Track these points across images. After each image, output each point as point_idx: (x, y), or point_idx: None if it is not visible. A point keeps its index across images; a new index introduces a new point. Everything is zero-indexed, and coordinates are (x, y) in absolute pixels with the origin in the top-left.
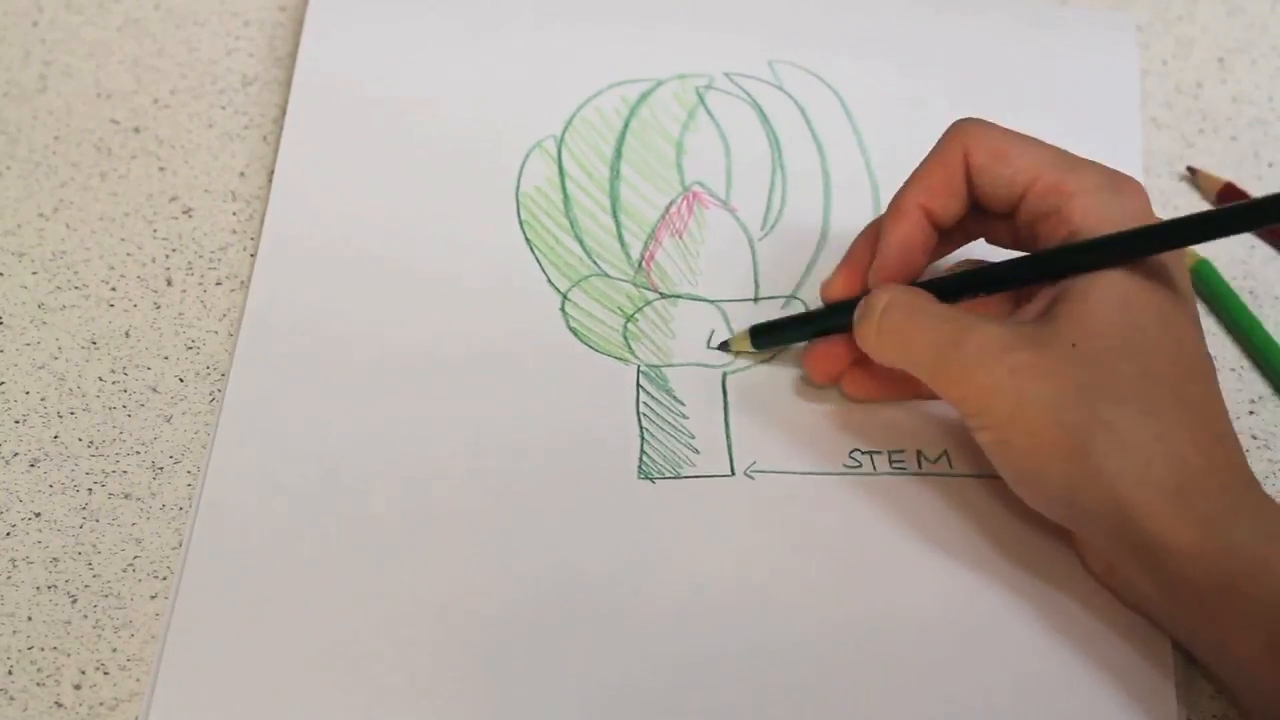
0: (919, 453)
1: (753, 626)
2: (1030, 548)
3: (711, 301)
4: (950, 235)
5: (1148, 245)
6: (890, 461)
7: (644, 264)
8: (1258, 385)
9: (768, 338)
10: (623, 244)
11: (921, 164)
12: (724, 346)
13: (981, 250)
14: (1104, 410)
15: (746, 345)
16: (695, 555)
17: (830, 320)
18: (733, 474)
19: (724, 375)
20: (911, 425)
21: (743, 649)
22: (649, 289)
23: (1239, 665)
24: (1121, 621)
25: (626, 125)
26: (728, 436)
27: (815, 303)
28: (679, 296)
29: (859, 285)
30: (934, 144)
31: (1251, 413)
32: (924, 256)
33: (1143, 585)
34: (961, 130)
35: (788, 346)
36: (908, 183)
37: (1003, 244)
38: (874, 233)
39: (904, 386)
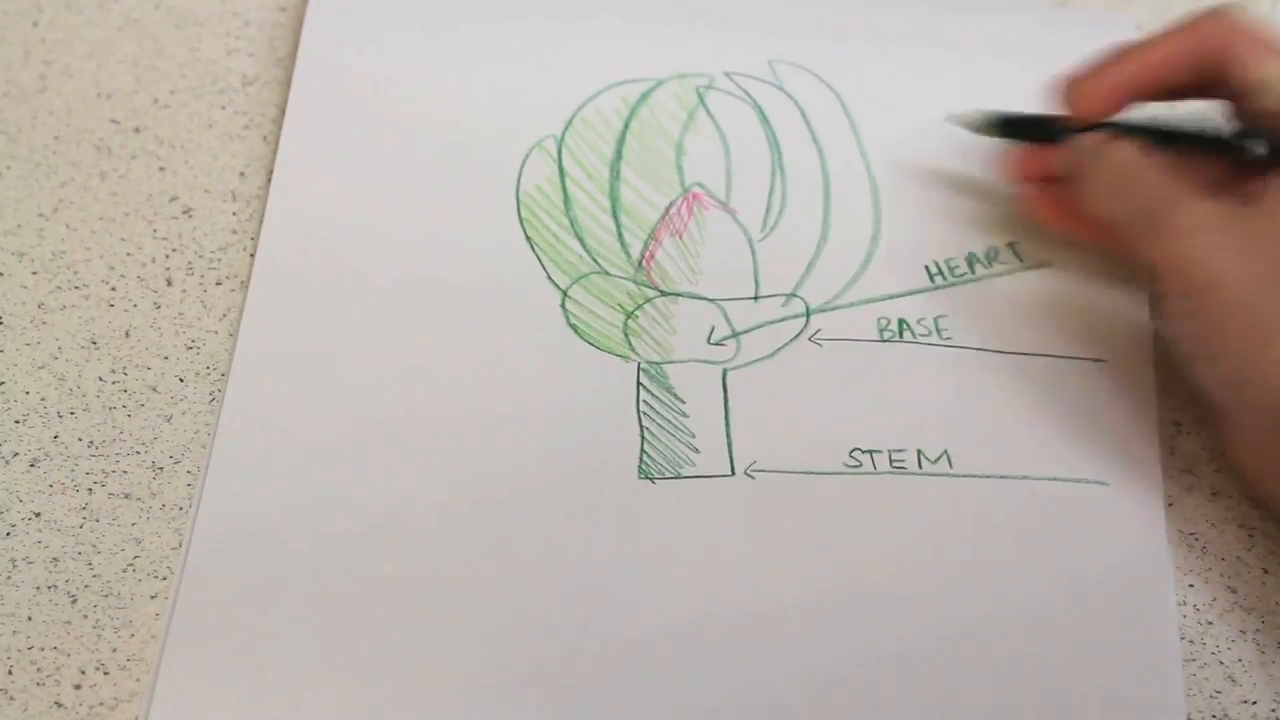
0: (919, 452)
1: (753, 626)
2: (1030, 547)
3: (711, 300)
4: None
5: None
6: (890, 461)
7: (644, 263)
8: None
9: (1007, 129)
10: (623, 243)
11: (1172, 31)
12: (954, 118)
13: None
14: None
15: (982, 125)
16: (695, 555)
17: (1066, 130)
18: (733, 473)
19: (725, 372)
20: (912, 425)
21: (743, 649)
22: (649, 287)
23: None
24: (1123, 621)
25: (626, 126)
26: (728, 436)
27: (816, 303)
28: (679, 295)
29: (1114, 104)
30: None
31: None
32: (1168, 88)
33: None
34: (1218, 17)
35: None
36: (1160, 35)
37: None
38: (1133, 52)
39: (1089, 228)
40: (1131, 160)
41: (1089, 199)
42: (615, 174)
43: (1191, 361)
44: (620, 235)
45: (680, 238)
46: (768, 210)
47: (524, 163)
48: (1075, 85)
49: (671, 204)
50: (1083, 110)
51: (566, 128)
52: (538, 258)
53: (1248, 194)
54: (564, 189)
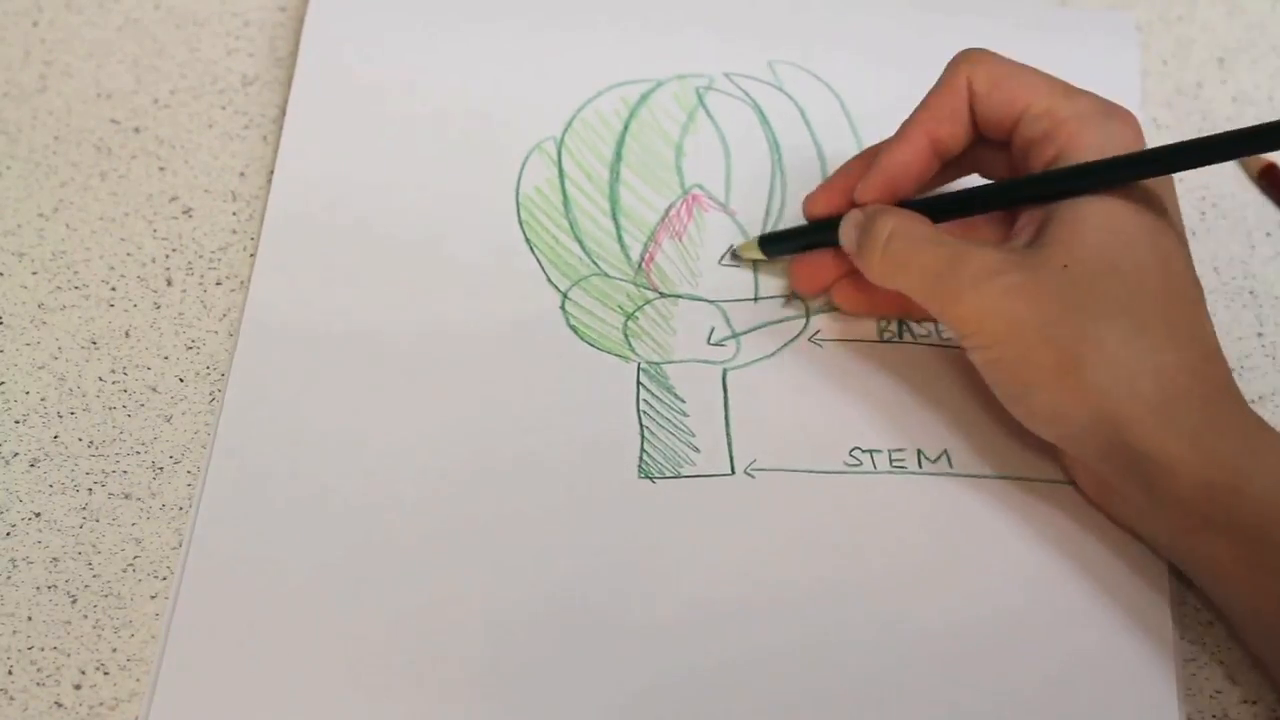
0: (919, 451)
1: (753, 625)
2: (1030, 547)
3: (711, 301)
4: (946, 169)
5: (1136, 171)
6: (890, 460)
7: (644, 265)
8: (1257, 384)
9: (772, 246)
10: (622, 245)
11: (929, 92)
12: (734, 256)
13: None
14: (1093, 329)
15: (755, 252)
16: (695, 554)
17: (824, 234)
18: (733, 473)
19: (724, 372)
20: (912, 424)
21: (743, 648)
22: (649, 289)
23: (1224, 579)
24: (1122, 621)
25: (626, 128)
26: (728, 435)
27: (815, 303)
28: (679, 296)
29: (843, 203)
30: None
31: None
32: (916, 183)
33: (1132, 501)
34: (965, 57)
35: (775, 259)
36: (916, 109)
37: (997, 177)
38: (869, 156)
39: (892, 302)
40: (909, 228)
41: (874, 275)
42: (615, 176)
43: (1010, 404)
44: (620, 237)
45: (680, 240)
46: (767, 212)
47: (524, 164)
48: (821, 195)
49: (671, 206)
50: (860, 200)
51: (566, 129)
52: (537, 260)
53: (1024, 237)
54: (564, 191)
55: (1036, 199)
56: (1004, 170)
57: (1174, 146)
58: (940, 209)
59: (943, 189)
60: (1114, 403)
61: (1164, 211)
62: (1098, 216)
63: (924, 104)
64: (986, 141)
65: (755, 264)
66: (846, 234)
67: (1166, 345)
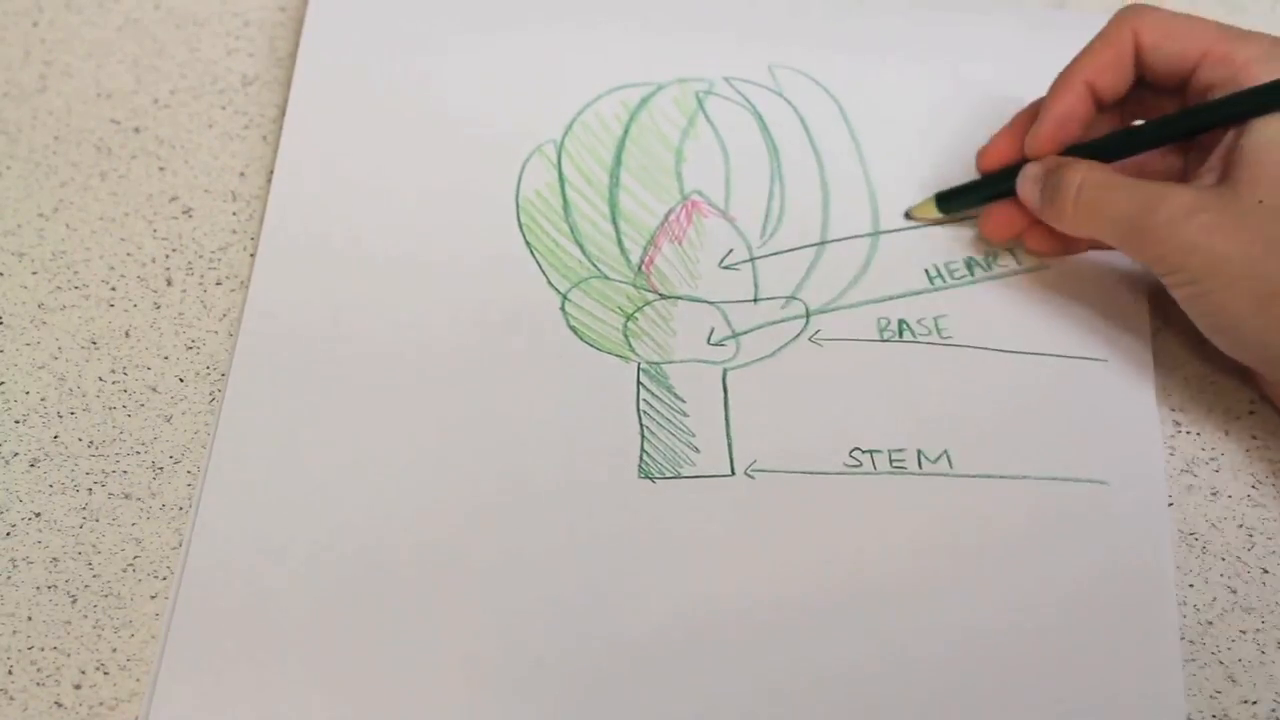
0: (919, 452)
1: (753, 626)
2: (1030, 547)
3: (711, 302)
4: (1110, 113)
5: None
6: (890, 461)
7: (644, 268)
8: None
9: (949, 203)
10: (622, 249)
11: (1090, 43)
12: (908, 217)
13: None
14: None
15: (932, 211)
16: (695, 555)
17: (1004, 184)
18: (733, 473)
19: (724, 372)
20: (912, 424)
21: (743, 648)
22: (649, 292)
23: None
24: (1123, 621)
25: (626, 132)
26: (728, 435)
27: (816, 304)
28: (679, 297)
29: (1016, 153)
30: (1098, 32)
31: (1251, 413)
32: (1081, 130)
33: None
34: (1133, 11)
35: (962, 214)
36: (1076, 59)
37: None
38: (1034, 109)
39: (1084, 242)
40: (1099, 177)
41: (1067, 226)
42: (615, 181)
43: (1214, 334)
44: (620, 241)
45: (679, 243)
46: (766, 217)
47: (524, 167)
48: (996, 146)
49: (671, 211)
50: (1032, 152)
51: (566, 133)
52: (537, 262)
53: (1212, 177)
54: (563, 195)
55: (1220, 123)
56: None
57: None
58: (1112, 149)
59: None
60: None
61: None
62: None
63: (1085, 52)
64: (1148, 89)
65: (754, 264)
66: (1026, 189)
67: None
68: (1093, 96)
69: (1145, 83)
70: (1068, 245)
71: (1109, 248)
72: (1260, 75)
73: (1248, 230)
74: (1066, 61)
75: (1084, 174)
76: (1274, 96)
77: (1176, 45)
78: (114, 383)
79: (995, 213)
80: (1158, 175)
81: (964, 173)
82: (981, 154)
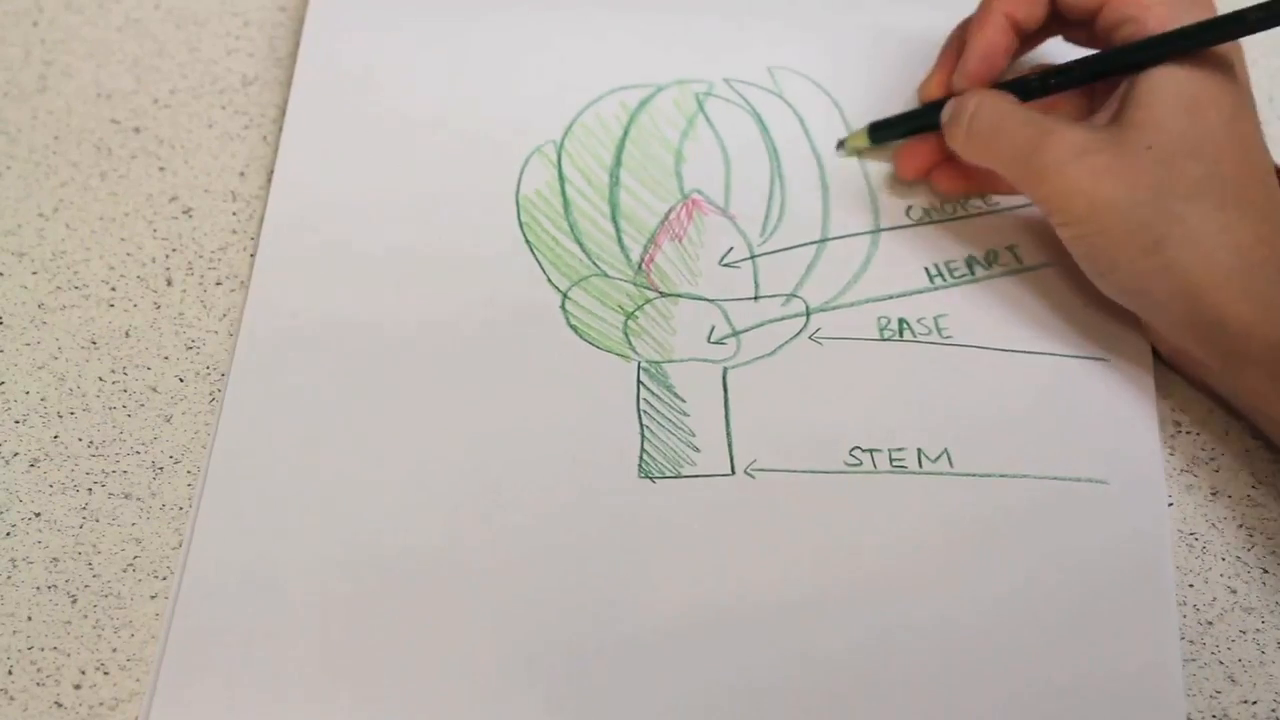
0: (919, 450)
1: (753, 625)
2: (1030, 546)
3: (711, 300)
4: (1030, 38)
5: (1209, 36)
6: (891, 460)
7: (644, 266)
8: None
9: (880, 133)
10: (622, 247)
11: None
12: (840, 145)
13: (1059, 51)
14: (1175, 207)
15: (862, 140)
16: (695, 554)
17: (928, 117)
18: (733, 473)
19: (725, 371)
20: (912, 423)
21: (743, 647)
22: (649, 290)
23: None
24: (1123, 621)
25: (626, 132)
26: (728, 434)
27: (816, 303)
28: (679, 296)
29: (948, 87)
30: None
31: None
32: (1005, 60)
33: (1209, 363)
34: None
35: (892, 144)
36: None
37: (1079, 43)
38: (959, 36)
39: (986, 182)
40: (994, 105)
41: (962, 151)
42: (615, 180)
43: (1096, 277)
44: (620, 239)
45: (680, 242)
46: (766, 217)
47: (524, 167)
48: (933, 80)
49: (671, 209)
50: (959, 87)
51: (566, 133)
52: (538, 261)
53: (1106, 116)
54: (564, 194)
55: (1121, 70)
56: (1084, 38)
57: (1245, 10)
58: (1029, 88)
59: (1029, 69)
60: (1194, 277)
61: (1237, 82)
62: (1177, 97)
63: None
64: (1062, 21)
65: (754, 262)
66: (949, 114)
67: (1242, 222)
68: (1013, 28)
69: (1058, 14)
70: (971, 185)
71: (1010, 191)
72: (1163, 17)
73: (1133, 175)
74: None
75: (980, 100)
76: (1171, 46)
77: None
78: (114, 383)
79: (909, 148)
80: (1066, 110)
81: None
82: (923, 86)
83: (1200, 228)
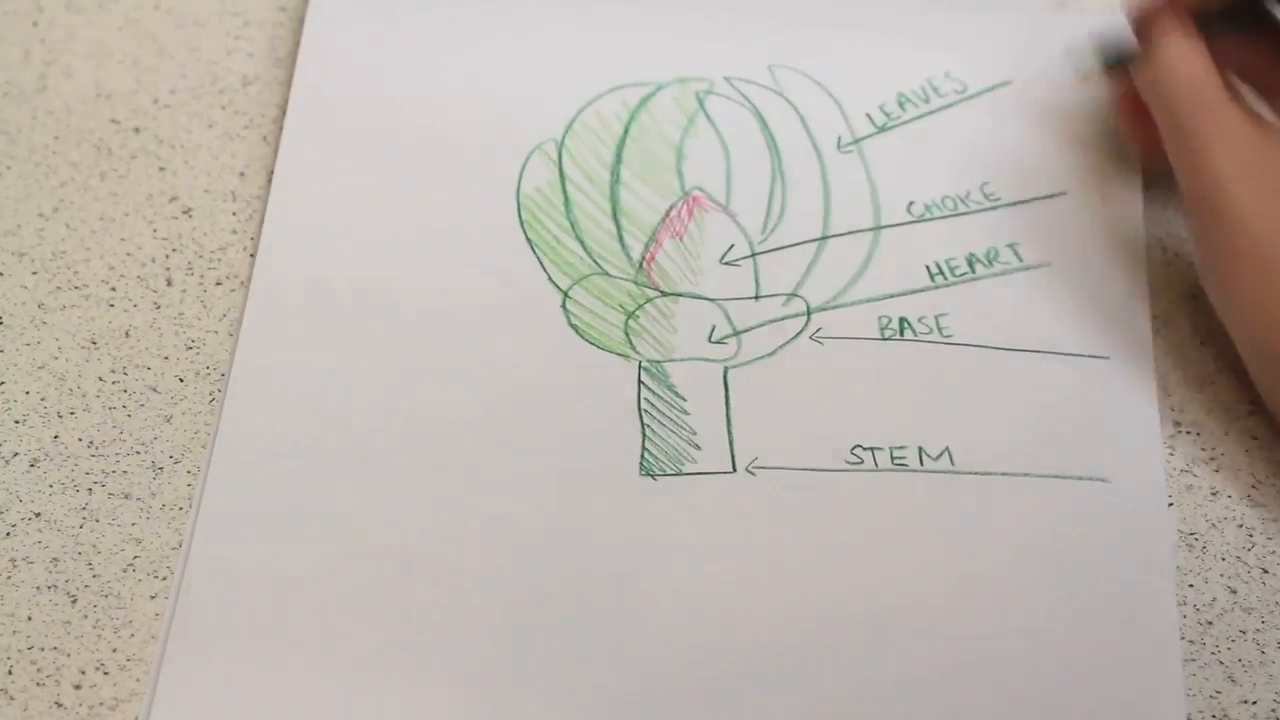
0: (920, 449)
1: (753, 623)
2: (1030, 545)
3: (712, 300)
4: None
5: None
6: (892, 458)
7: (645, 264)
8: None
9: (1118, 54)
10: (623, 245)
11: None
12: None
13: None
14: None
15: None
16: (697, 552)
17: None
18: (734, 470)
19: (725, 370)
20: (913, 421)
21: (744, 646)
22: (650, 288)
23: None
24: (1123, 621)
25: (626, 130)
26: (729, 433)
27: (817, 302)
28: (680, 295)
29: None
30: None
31: (1251, 413)
32: None
33: None
34: None
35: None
36: None
37: None
38: None
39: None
40: (1179, 54)
41: (1139, 83)
42: (615, 178)
43: (1204, 279)
44: (621, 237)
45: (680, 239)
46: (768, 214)
47: (524, 166)
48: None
49: (672, 207)
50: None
51: (567, 131)
52: (538, 259)
53: None
54: (564, 192)
55: None
56: None
57: None
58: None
59: None
60: None
61: None
62: None
63: None
64: None
65: (755, 259)
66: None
67: None
68: None
69: None
70: (1147, 137)
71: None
72: None
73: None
74: (1066, 62)
75: (1174, 46)
76: None
77: None
78: (114, 383)
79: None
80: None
81: (964, 171)
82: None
83: None
